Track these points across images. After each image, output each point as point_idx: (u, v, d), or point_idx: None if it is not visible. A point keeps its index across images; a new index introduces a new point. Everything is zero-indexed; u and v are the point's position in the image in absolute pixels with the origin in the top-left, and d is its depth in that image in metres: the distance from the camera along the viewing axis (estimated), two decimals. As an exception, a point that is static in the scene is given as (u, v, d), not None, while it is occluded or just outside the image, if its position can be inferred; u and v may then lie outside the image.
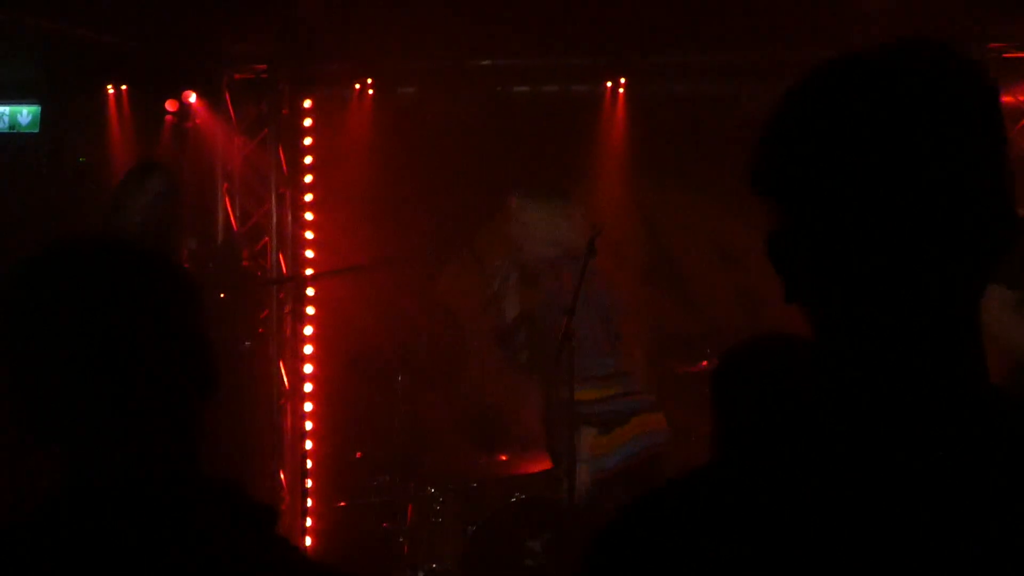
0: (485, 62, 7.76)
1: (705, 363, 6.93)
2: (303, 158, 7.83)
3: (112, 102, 7.78)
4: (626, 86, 7.90)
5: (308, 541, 7.48)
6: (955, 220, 1.18)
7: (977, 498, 1.16)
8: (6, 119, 7.73)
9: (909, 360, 1.21)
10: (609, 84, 7.91)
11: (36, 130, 7.72)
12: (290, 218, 7.84)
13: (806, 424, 1.23)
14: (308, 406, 7.70)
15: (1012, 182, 1.23)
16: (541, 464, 6.53)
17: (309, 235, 7.82)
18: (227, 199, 7.77)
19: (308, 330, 7.74)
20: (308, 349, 7.74)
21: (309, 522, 7.55)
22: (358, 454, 7.09)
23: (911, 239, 1.18)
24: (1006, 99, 7.53)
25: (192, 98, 7.68)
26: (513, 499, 6.17)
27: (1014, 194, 1.23)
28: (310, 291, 7.72)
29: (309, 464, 7.63)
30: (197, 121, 7.76)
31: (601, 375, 5.64)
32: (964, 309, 1.22)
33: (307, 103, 7.82)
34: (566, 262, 5.56)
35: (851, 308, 1.22)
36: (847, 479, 1.18)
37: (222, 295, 6.78)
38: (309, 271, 7.74)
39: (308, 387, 7.72)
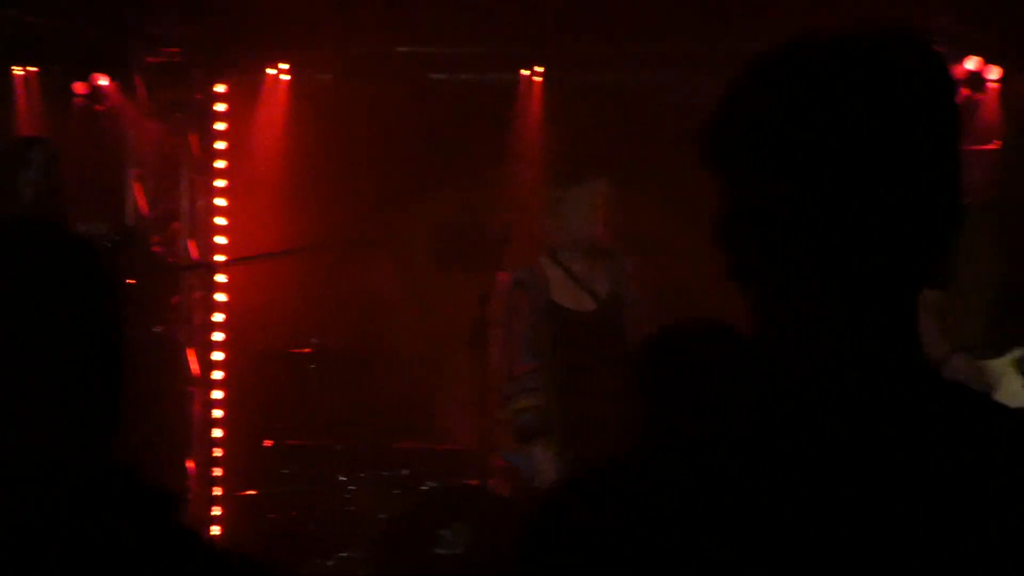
0: (402, 49, 7.71)
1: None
2: (216, 144, 7.73)
3: (20, 84, 7.64)
4: (543, 75, 7.90)
5: (216, 530, 7.41)
6: (902, 206, 1.18)
7: (914, 482, 1.16)
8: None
9: (846, 342, 1.20)
10: (526, 72, 7.90)
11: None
12: (202, 204, 7.74)
13: (738, 405, 1.23)
14: (218, 394, 7.63)
15: (961, 173, 1.23)
16: (458, 449, 6.56)
17: (221, 221, 7.73)
18: (137, 184, 7.67)
19: (219, 317, 7.66)
20: (218, 336, 7.66)
21: (218, 511, 7.48)
22: (268, 442, 7.04)
23: (856, 222, 1.17)
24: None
25: (103, 81, 7.57)
26: (426, 487, 6.17)
27: (962, 185, 1.23)
28: (221, 278, 7.64)
29: (218, 453, 7.56)
30: (108, 104, 7.66)
31: None
32: (905, 296, 1.22)
33: (220, 88, 7.72)
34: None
35: (791, 289, 1.22)
36: (781, 460, 1.17)
37: (131, 281, 6.68)
38: (220, 258, 7.66)
39: (218, 375, 7.64)
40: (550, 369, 5.43)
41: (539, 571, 1.24)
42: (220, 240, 7.73)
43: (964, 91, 7.52)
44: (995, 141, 7.22)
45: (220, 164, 7.75)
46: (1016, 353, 4.99)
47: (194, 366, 7.67)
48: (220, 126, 7.75)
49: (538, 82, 7.92)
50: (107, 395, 1.62)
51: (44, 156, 5.49)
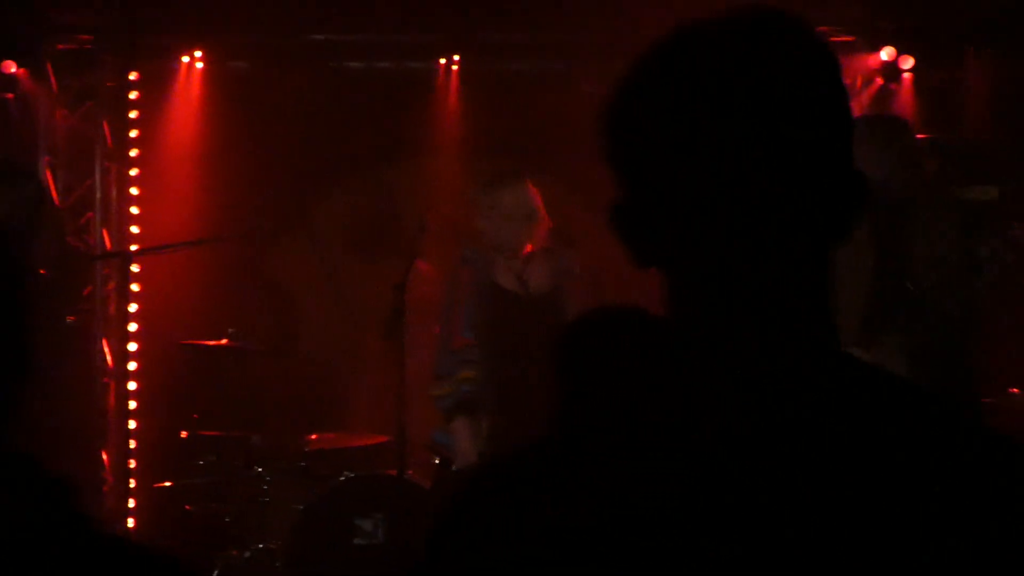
0: (318, 37, 7.69)
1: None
2: (129, 132, 7.65)
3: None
4: (460, 63, 7.90)
5: (131, 522, 7.36)
6: (800, 185, 1.18)
7: (824, 465, 1.16)
8: None
9: (756, 326, 1.20)
10: (443, 61, 7.91)
11: None
12: (115, 193, 7.67)
13: (653, 392, 1.23)
14: (132, 385, 7.56)
15: (850, 143, 1.23)
16: (375, 440, 6.54)
17: (135, 210, 7.66)
18: (49, 172, 7.56)
19: (133, 307, 7.59)
20: (133, 327, 7.59)
21: (132, 503, 7.41)
22: (183, 433, 6.98)
23: (754, 205, 1.18)
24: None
25: (13, 68, 7.46)
26: (343, 477, 6.16)
27: (852, 158, 1.24)
28: (135, 268, 7.56)
29: (133, 444, 7.49)
30: (19, 92, 7.54)
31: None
32: (813, 274, 1.22)
33: (133, 76, 7.64)
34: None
35: (696, 275, 1.22)
36: (693, 446, 1.17)
37: (42, 271, 6.60)
38: (134, 247, 7.58)
39: (132, 365, 7.57)
40: (484, 348, 5.44)
41: (448, 562, 1.24)
42: (134, 229, 7.66)
43: (878, 80, 7.64)
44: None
45: (133, 152, 7.67)
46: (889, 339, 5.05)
47: (109, 357, 7.59)
48: (133, 114, 7.67)
49: (455, 71, 7.92)
50: (3, 383, 1.59)
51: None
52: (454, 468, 5.41)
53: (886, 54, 7.52)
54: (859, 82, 7.68)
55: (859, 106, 7.68)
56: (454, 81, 7.93)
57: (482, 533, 1.21)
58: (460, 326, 5.50)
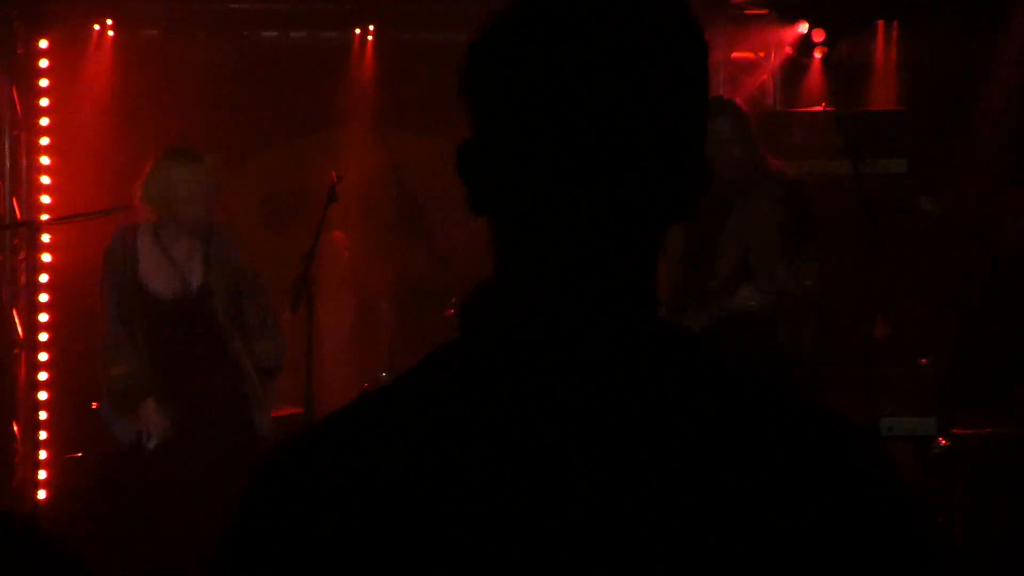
0: (232, 5, 7.70)
1: (451, 311, 7.03)
2: (39, 100, 7.59)
3: None
4: (375, 33, 7.91)
5: (42, 494, 7.33)
6: (638, 160, 1.18)
7: (635, 431, 1.15)
8: None
9: (567, 286, 1.20)
10: (358, 31, 7.92)
11: None
12: (25, 162, 7.60)
13: (471, 350, 1.22)
14: (43, 356, 7.51)
15: (704, 129, 1.25)
16: (285, 412, 6.55)
17: (45, 180, 7.61)
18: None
19: (44, 278, 7.54)
20: (44, 297, 7.55)
21: (43, 474, 7.39)
22: (95, 404, 6.95)
23: (585, 168, 1.18)
24: (746, 54, 7.82)
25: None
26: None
27: (703, 143, 1.25)
28: (46, 237, 7.52)
29: (44, 415, 7.46)
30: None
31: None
32: (636, 247, 1.23)
33: (43, 43, 7.57)
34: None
35: (517, 229, 1.22)
36: (504, 407, 1.17)
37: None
38: (45, 216, 7.53)
39: (44, 336, 7.53)
40: (139, 341, 5.51)
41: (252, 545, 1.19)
42: (45, 199, 7.60)
43: (788, 54, 7.72)
44: (822, 103, 7.44)
45: (44, 121, 7.61)
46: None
47: (19, 328, 7.55)
48: (43, 82, 7.60)
49: (370, 41, 7.93)
50: None
51: None
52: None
53: (802, 28, 7.59)
54: (773, 56, 7.76)
55: (771, 80, 7.77)
56: (369, 51, 7.94)
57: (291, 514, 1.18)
58: (107, 321, 5.58)
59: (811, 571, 1.12)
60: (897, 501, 1.18)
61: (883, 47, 7.72)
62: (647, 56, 1.19)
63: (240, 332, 5.59)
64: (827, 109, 7.19)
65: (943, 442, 6.17)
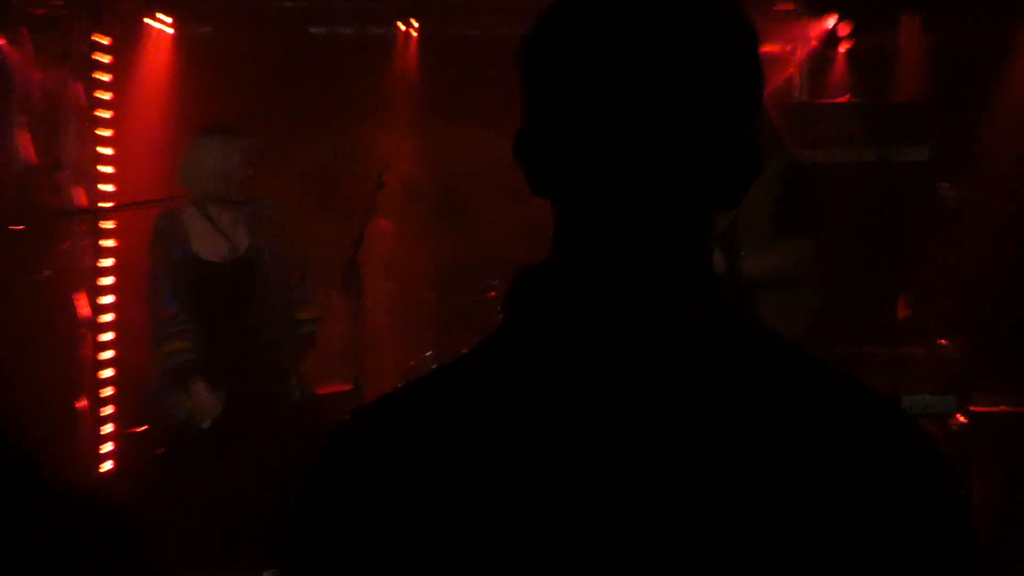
0: (284, 3, 7.89)
1: (493, 293, 7.24)
2: (101, 94, 7.82)
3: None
4: (419, 28, 8.14)
5: (108, 464, 7.61)
6: (692, 146, 1.21)
7: (697, 413, 1.15)
8: None
9: (625, 266, 1.22)
10: (402, 27, 8.15)
11: None
12: (88, 153, 7.81)
13: (528, 325, 1.24)
14: (108, 335, 7.78)
15: (759, 123, 1.31)
16: (337, 388, 6.76)
17: (106, 169, 7.83)
18: (25, 133, 7.73)
19: (107, 262, 7.79)
20: (108, 280, 7.80)
21: (108, 447, 7.66)
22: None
23: (640, 154, 1.20)
24: (774, 48, 7.93)
25: (-10, 32, 7.61)
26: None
27: (756, 135, 1.27)
28: (109, 224, 7.77)
29: (108, 391, 7.71)
30: (-4, 55, 7.70)
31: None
32: (690, 230, 1.25)
33: (106, 40, 7.82)
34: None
35: (575, 212, 1.25)
36: (570, 387, 1.17)
37: (19, 227, 6.75)
38: (106, 204, 7.78)
39: (108, 317, 7.79)
40: (193, 314, 5.68)
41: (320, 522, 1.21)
42: (106, 188, 7.81)
43: (815, 46, 7.85)
44: (847, 95, 7.57)
45: (105, 114, 7.82)
46: None
47: (84, 309, 7.77)
48: (104, 76, 7.81)
49: (414, 36, 8.15)
50: None
51: None
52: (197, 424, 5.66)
53: (828, 22, 7.68)
54: (799, 49, 7.90)
55: (798, 72, 7.91)
56: (413, 45, 8.17)
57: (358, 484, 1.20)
58: (162, 300, 5.73)
59: (866, 544, 1.13)
60: (943, 477, 1.20)
61: (906, 39, 7.75)
62: (700, 44, 1.21)
63: (283, 298, 5.79)
64: (852, 100, 7.35)
65: (962, 419, 6.20)
